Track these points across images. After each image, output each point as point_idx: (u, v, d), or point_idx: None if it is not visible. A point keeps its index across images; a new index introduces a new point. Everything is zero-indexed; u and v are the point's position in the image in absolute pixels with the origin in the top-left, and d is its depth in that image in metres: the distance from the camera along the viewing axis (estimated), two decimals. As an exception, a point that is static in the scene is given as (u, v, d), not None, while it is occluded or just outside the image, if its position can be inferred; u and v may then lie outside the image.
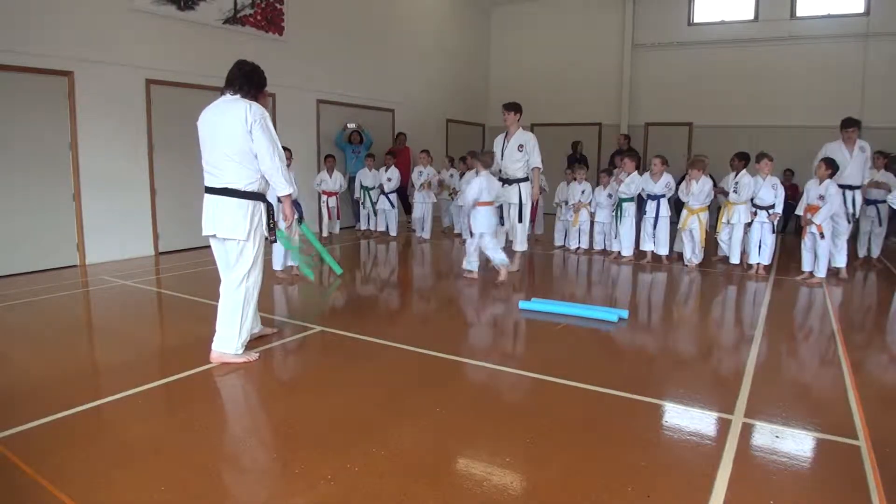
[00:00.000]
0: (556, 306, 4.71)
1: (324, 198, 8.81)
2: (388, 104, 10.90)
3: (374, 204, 9.04)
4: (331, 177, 8.74)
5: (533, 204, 8.78)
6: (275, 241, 3.70)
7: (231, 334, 3.42)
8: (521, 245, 6.25)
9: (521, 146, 5.99)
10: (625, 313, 4.55)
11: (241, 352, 3.47)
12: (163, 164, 7.22)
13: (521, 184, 6.07)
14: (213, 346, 3.46)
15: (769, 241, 6.42)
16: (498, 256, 5.76)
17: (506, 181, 6.09)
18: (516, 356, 3.75)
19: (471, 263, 5.93)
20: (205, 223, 3.42)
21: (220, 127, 3.32)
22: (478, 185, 5.68)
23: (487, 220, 5.74)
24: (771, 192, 6.37)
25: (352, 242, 8.67)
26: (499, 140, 6.20)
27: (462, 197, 6.16)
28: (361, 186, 8.96)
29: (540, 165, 6.09)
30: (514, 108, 6.06)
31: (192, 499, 2.07)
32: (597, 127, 12.64)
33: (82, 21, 6.32)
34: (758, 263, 6.45)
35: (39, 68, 6.03)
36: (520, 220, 6.12)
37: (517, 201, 6.08)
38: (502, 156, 6.07)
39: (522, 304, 4.83)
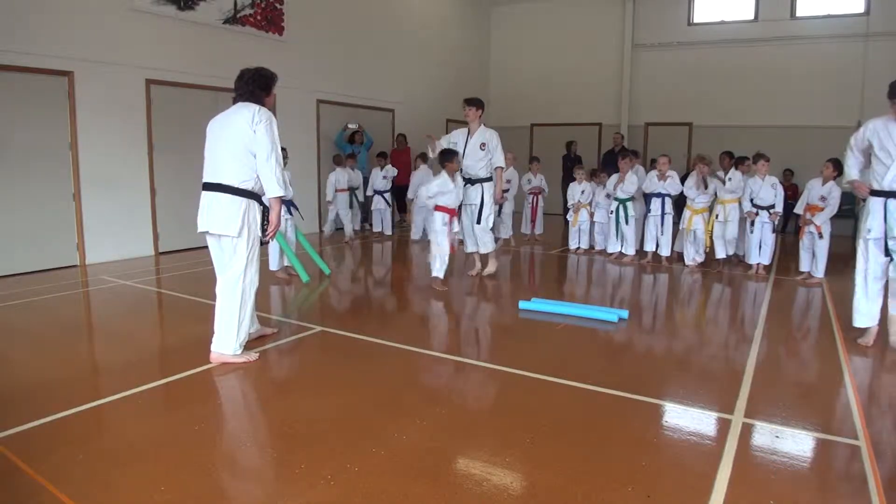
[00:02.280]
0: (556, 306, 4.71)
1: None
2: (388, 104, 10.90)
3: (360, 204, 9.05)
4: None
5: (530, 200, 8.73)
6: (267, 244, 3.70)
7: (229, 335, 3.43)
8: (487, 246, 5.93)
9: (483, 145, 5.70)
10: (625, 313, 4.55)
11: (239, 352, 3.47)
12: (163, 164, 7.22)
13: (485, 184, 5.78)
14: (213, 347, 3.47)
15: (769, 241, 6.43)
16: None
17: (468, 181, 5.81)
18: (516, 356, 3.74)
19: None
20: (200, 219, 3.44)
21: (227, 126, 3.40)
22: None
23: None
24: (771, 191, 6.38)
25: (346, 243, 8.66)
26: (460, 135, 5.85)
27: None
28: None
29: (503, 165, 5.81)
30: (475, 103, 5.77)
31: (192, 499, 2.07)
32: (597, 127, 12.64)
33: (82, 21, 6.32)
34: (758, 263, 6.46)
35: (39, 68, 6.04)
36: (478, 222, 5.80)
37: (478, 202, 5.78)
38: (464, 154, 5.76)
39: (523, 305, 4.83)
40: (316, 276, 6.08)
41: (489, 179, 5.83)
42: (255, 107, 3.38)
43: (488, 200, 5.81)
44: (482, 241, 5.95)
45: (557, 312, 4.62)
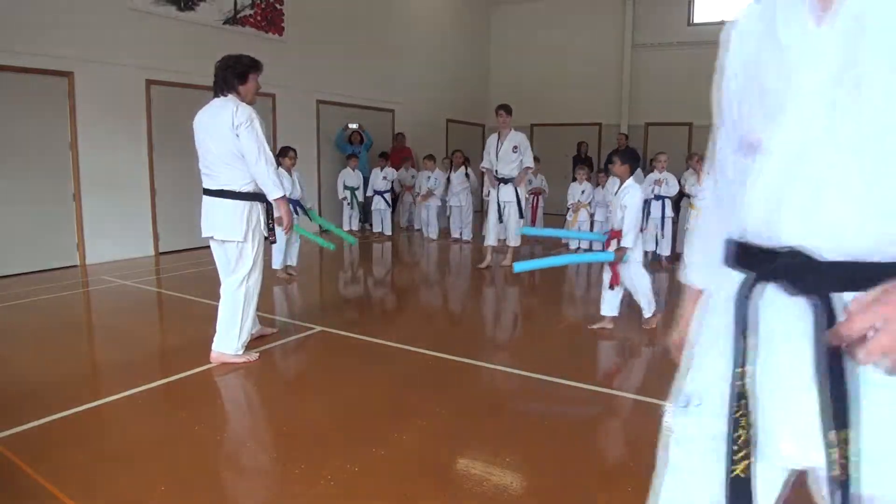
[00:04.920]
0: (550, 261, 4.64)
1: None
2: (388, 104, 10.90)
3: (360, 204, 9.07)
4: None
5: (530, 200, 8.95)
6: (274, 242, 3.69)
7: (231, 335, 3.42)
8: (517, 240, 6.56)
9: (515, 147, 6.33)
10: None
11: (241, 352, 3.46)
12: (163, 164, 7.22)
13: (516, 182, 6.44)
14: (214, 347, 3.46)
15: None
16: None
17: (501, 180, 6.40)
18: (517, 356, 3.75)
19: None
20: (203, 225, 3.44)
21: (211, 130, 3.34)
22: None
23: None
24: None
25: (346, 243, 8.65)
26: (492, 140, 6.51)
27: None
28: (345, 187, 8.93)
29: (532, 165, 6.54)
30: (509, 110, 6.46)
31: (192, 499, 2.07)
32: (597, 127, 12.64)
33: (82, 21, 6.31)
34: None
35: (39, 68, 6.03)
36: (521, 216, 6.48)
37: (514, 199, 6.38)
38: (497, 157, 6.37)
39: (517, 267, 4.38)
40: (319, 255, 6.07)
41: None
42: (233, 105, 3.28)
43: (521, 196, 6.46)
44: (512, 236, 6.56)
45: (552, 266, 4.56)
